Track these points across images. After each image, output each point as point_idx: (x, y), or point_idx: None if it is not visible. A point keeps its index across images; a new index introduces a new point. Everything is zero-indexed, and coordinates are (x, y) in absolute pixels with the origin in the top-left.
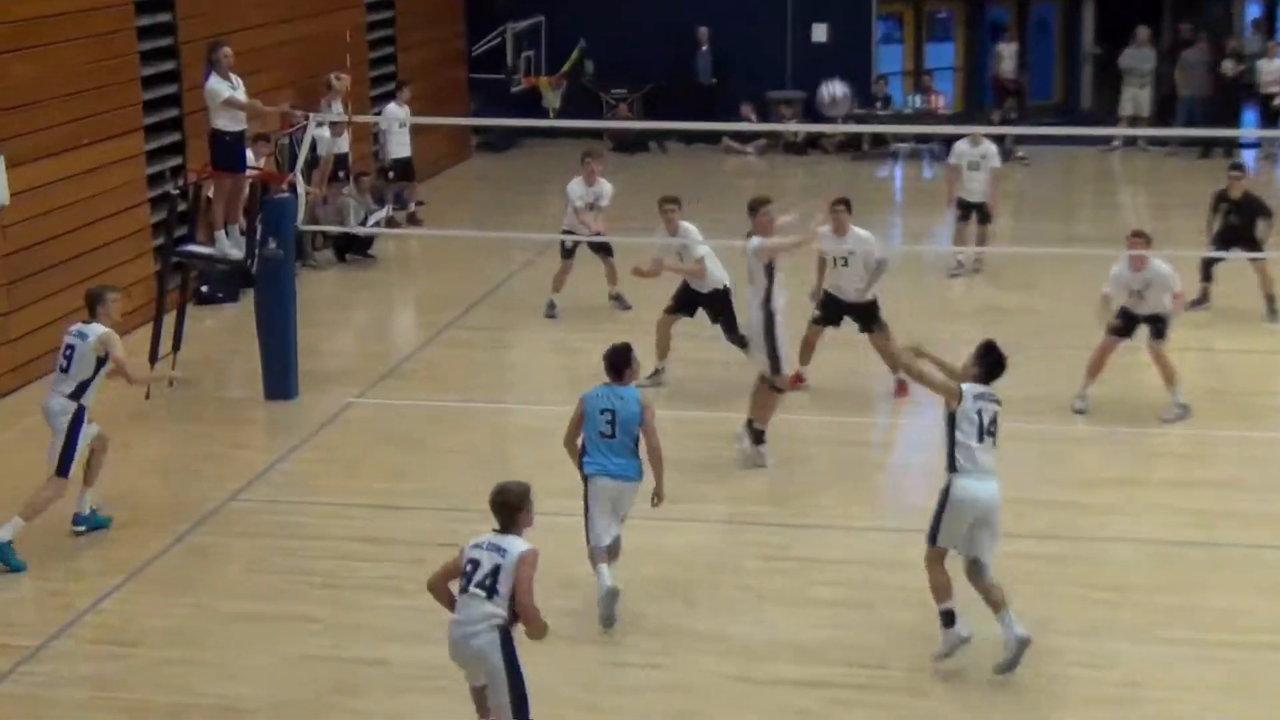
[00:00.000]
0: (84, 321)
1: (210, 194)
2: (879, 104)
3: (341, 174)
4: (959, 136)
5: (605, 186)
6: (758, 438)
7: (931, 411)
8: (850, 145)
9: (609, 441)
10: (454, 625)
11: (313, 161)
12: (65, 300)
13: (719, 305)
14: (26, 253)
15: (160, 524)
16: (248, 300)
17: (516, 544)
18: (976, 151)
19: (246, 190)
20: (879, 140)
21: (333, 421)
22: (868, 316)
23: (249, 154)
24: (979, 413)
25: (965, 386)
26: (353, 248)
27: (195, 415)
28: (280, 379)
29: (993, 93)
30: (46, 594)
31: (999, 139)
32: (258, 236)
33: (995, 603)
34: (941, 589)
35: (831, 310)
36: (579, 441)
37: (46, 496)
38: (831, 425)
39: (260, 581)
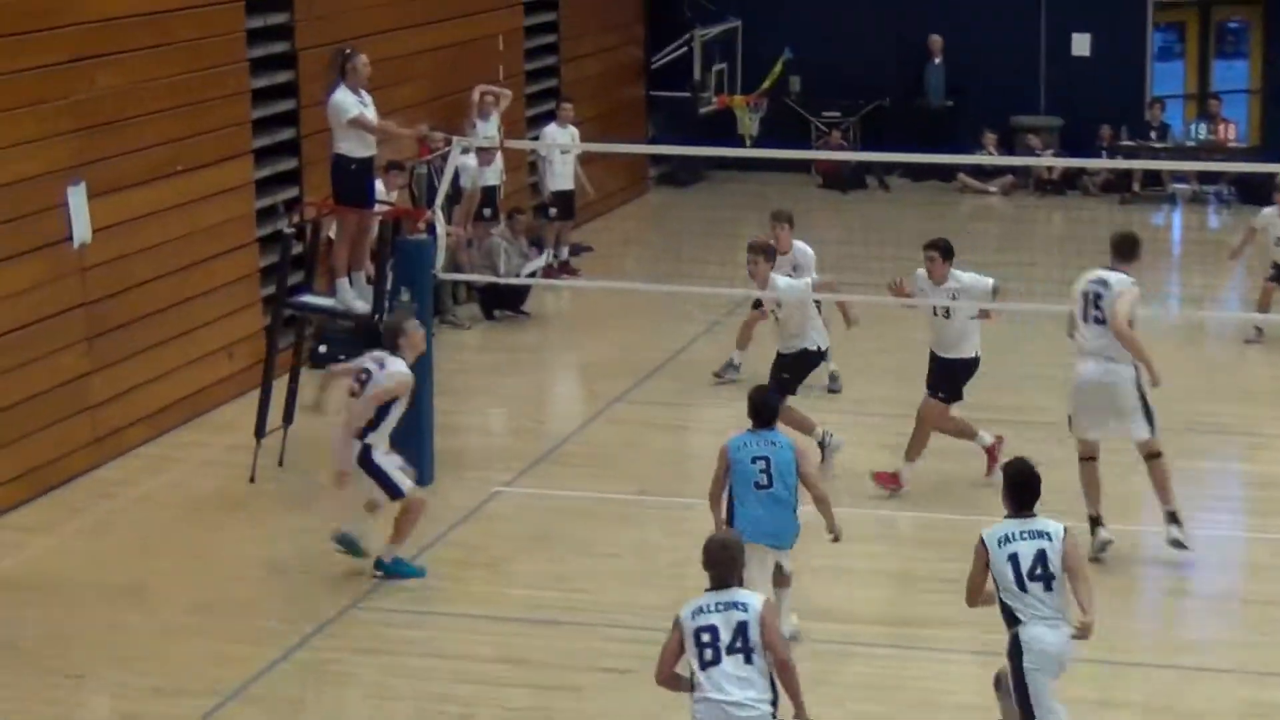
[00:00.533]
0: (387, 351)
1: (332, 233)
2: (1154, 134)
3: (489, 211)
4: (1255, 178)
5: (803, 254)
6: None
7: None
8: (1118, 185)
9: (765, 492)
10: (707, 705)
11: (455, 195)
12: (156, 359)
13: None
14: (111, 301)
15: (266, 635)
16: None
17: (749, 595)
18: None
19: (375, 230)
20: (1153, 179)
21: (474, 514)
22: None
23: (379, 186)
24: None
25: (986, 534)
26: (503, 302)
27: (308, 504)
28: (412, 459)
29: None
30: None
31: None
32: (388, 286)
33: None
34: None
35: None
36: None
37: (408, 521)
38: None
39: (386, 710)
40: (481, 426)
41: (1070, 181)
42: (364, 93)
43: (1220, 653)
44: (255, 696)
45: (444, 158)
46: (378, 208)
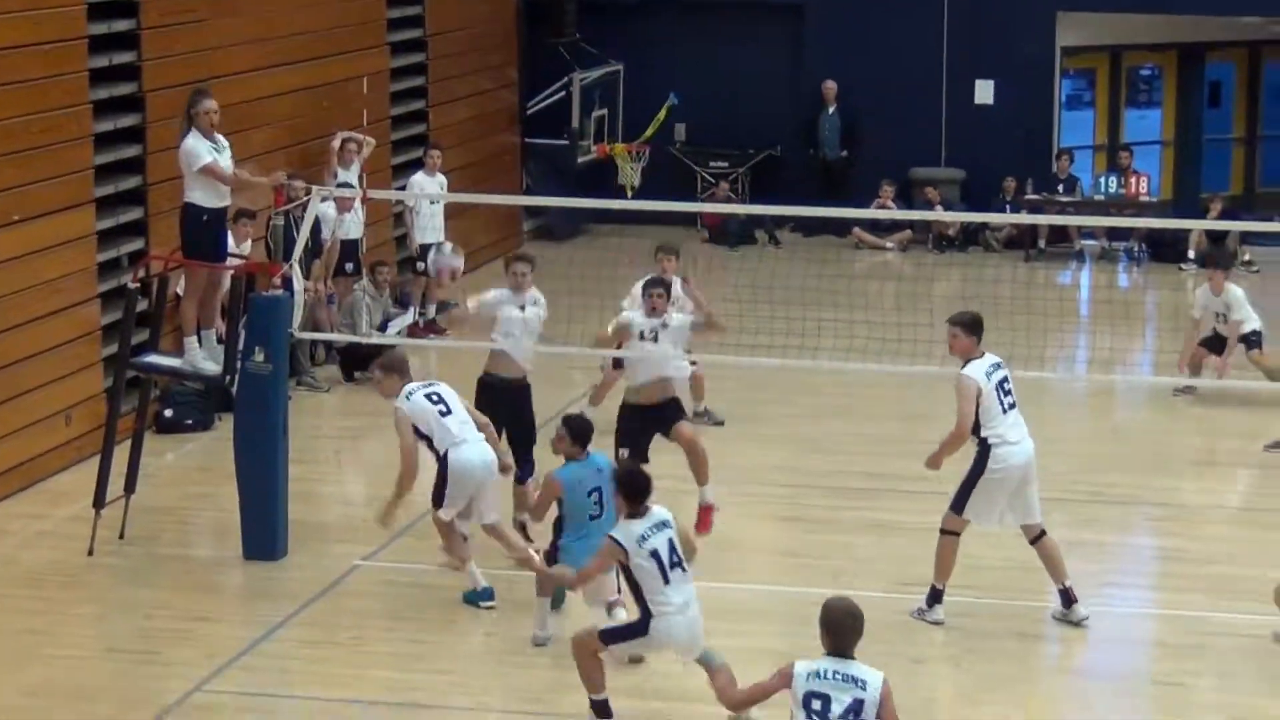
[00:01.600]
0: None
1: (180, 289)
2: (1061, 187)
3: (351, 265)
4: (1166, 235)
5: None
6: None
7: None
8: (1022, 242)
9: (598, 523)
10: None
11: (315, 248)
12: None
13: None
14: None
15: None
16: (225, 428)
17: (871, 673)
18: (1220, 302)
19: (227, 285)
20: (1060, 236)
21: (331, 590)
22: None
23: (230, 238)
24: None
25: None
26: (365, 363)
27: (150, 579)
28: (263, 532)
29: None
30: None
31: (1219, 238)
32: (240, 346)
33: None
34: None
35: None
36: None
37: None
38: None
39: None
40: (340, 496)
41: (972, 237)
42: (220, 138)
43: None
44: None
45: (303, 208)
46: (230, 261)
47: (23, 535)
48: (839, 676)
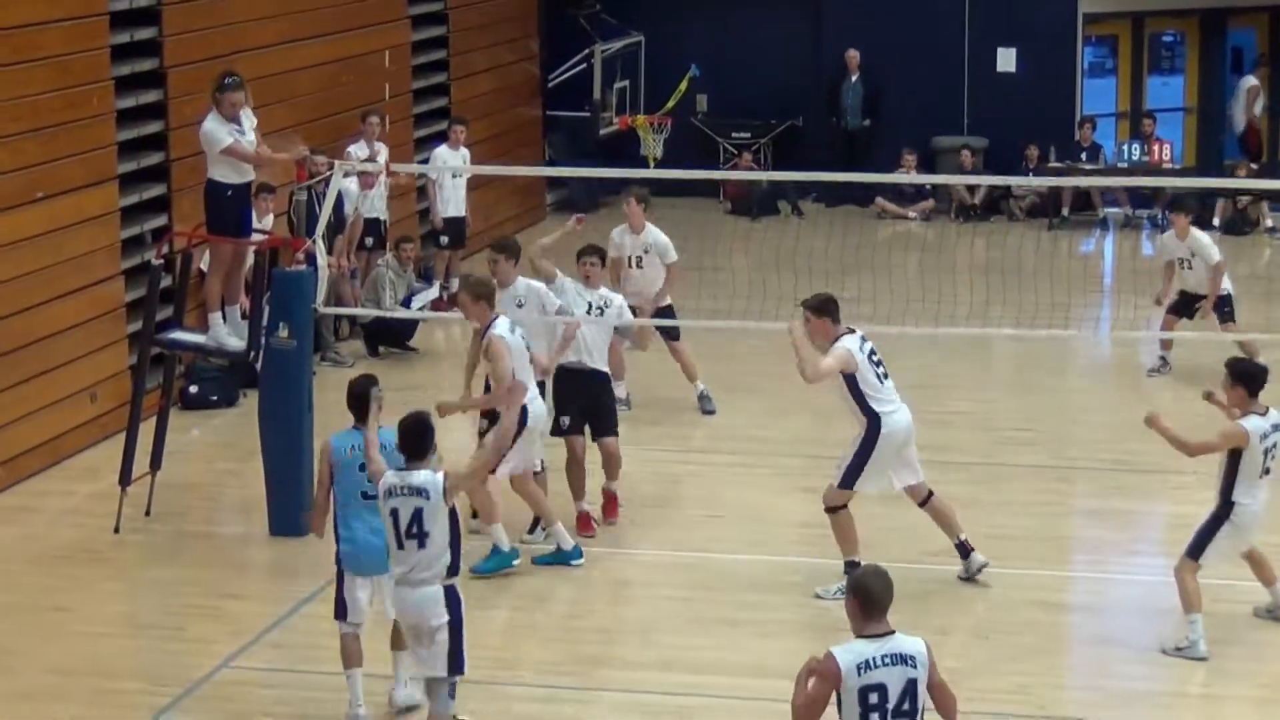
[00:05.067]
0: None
1: (204, 265)
2: (1084, 155)
3: (370, 240)
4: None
5: (656, 236)
6: None
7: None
8: (1046, 210)
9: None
10: None
11: (338, 224)
12: (12, 401)
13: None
14: None
15: (131, 698)
16: (250, 404)
17: (913, 642)
18: (1184, 247)
19: (251, 260)
20: (1083, 203)
21: None
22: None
23: (254, 214)
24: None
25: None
26: (389, 337)
27: (176, 556)
28: (289, 508)
29: (1237, 141)
30: None
31: (1240, 210)
32: (264, 321)
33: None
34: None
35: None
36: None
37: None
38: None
39: None
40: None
41: (994, 206)
42: (247, 113)
43: (1153, 706)
44: None
45: (325, 182)
46: (253, 237)
47: (49, 513)
48: (888, 660)
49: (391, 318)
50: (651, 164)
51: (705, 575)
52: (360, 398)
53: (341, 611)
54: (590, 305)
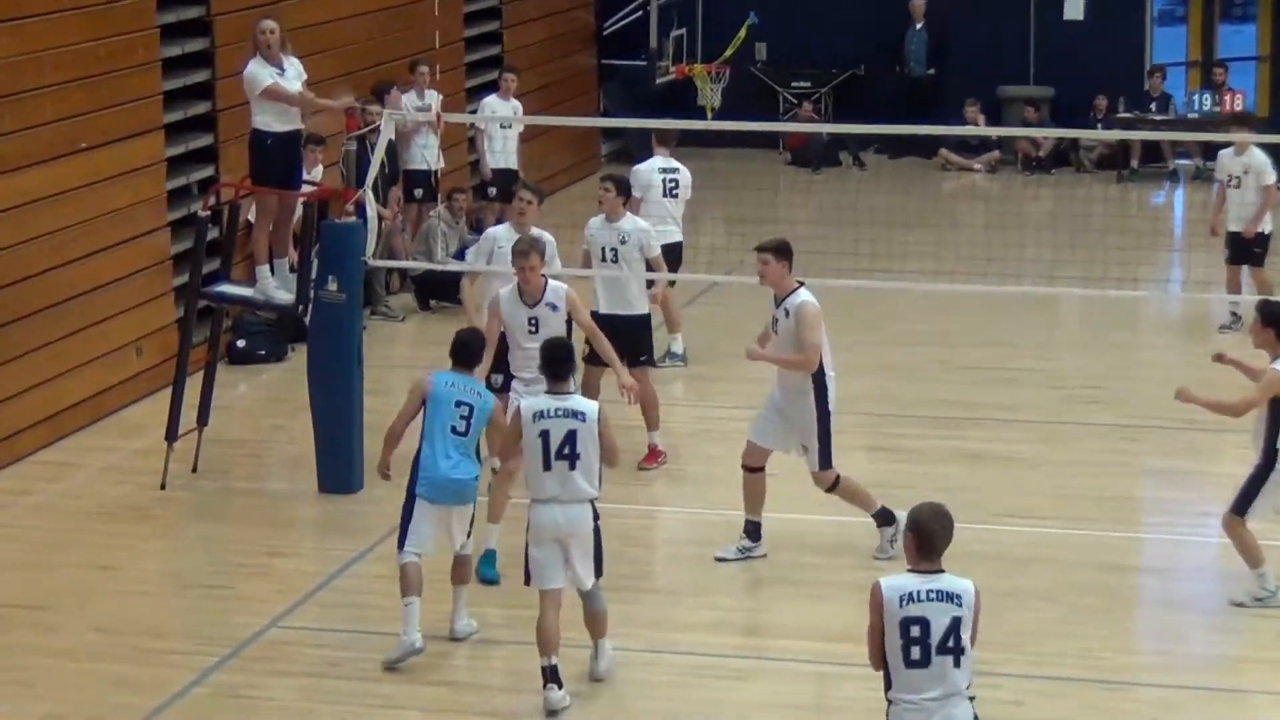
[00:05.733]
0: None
1: (251, 216)
2: (1154, 105)
3: (419, 192)
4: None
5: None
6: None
7: None
8: (1114, 162)
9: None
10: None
11: (391, 175)
12: (56, 355)
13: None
14: (6, 292)
15: (177, 657)
16: (298, 359)
17: (962, 585)
18: (1239, 163)
19: (299, 212)
20: (1153, 154)
21: None
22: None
23: (304, 165)
24: None
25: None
26: (441, 291)
27: (223, 513)
28: (338, 466)
29: None
30: None
31: None
32: (313, 274)
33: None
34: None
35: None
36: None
37: None
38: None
39: None
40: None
41: (1062, 158)
42: (291, 60)
43: (1221, 671)
44: None
45: (376, 132)
46: (303, 189)
47: (94, 469)
48: (933, 595)
49: (443, 270)
50: (709, 114)
51: (764, 535)
52: (468, 345)
53: (403, 540)
54: (604, 249)
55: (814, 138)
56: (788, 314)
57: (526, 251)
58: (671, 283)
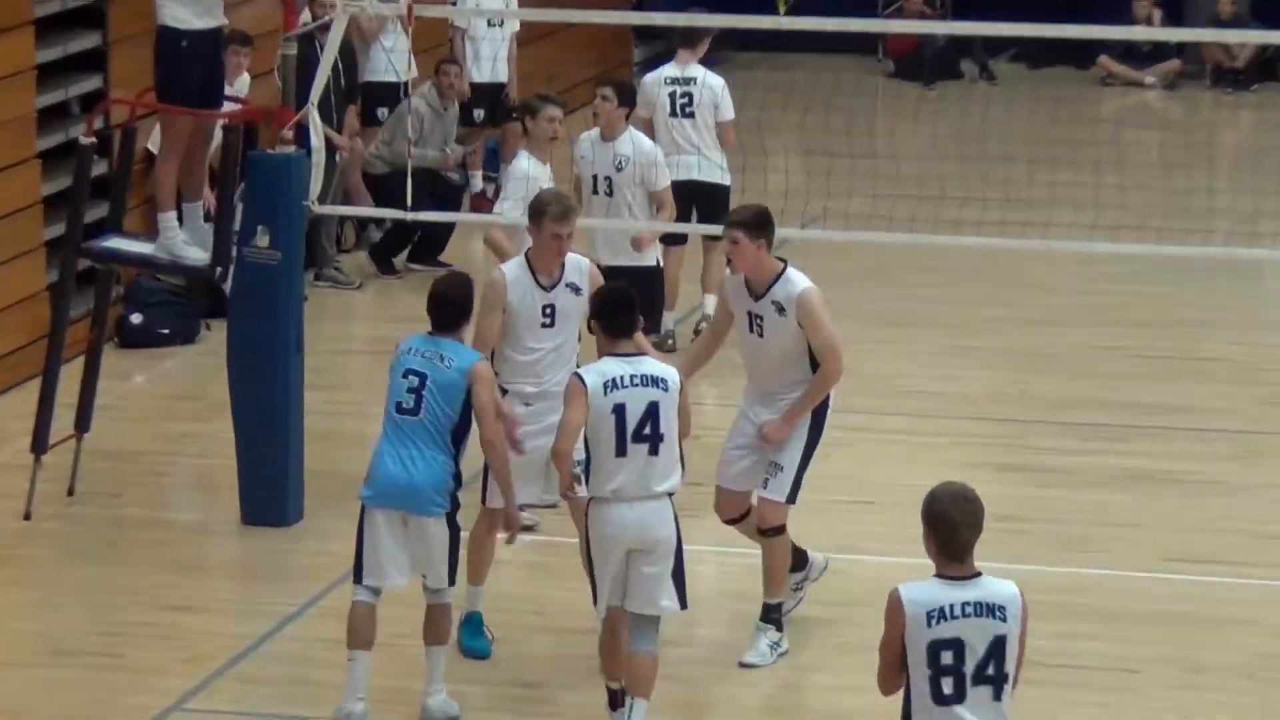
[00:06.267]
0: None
1: (154, 146)
2: None
3: (385, 111)
4: None
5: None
6: None
7: None
8: None
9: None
10: None
11: (347, 89)
12: None
13: None
14: None
15: None
16: (216, 341)
17: (1005, 593)
18: None
19: (219, 139)
20: None
21: None
22: None
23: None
24: None
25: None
26: (410, 247)
27: (111, 553)
28: (269, 488)
29: None
30: None
31: None
32: (236, 225)
33: None
34: None
35: None
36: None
37: None
38: None
39: None
40: (373, 433)
41: (1267, 69)
42: None
43: None
44: None
45: (326, 29)
46: (224, 106)
47: None
48: (969, 609)
49: (417, 221)
50: (781, 9)
51: (850, 586)
52: (448, 299)
53: (359, 571)
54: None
55: (926, 40)
56: (782, 310)
57: (568, 212)
58: (677, 238)
